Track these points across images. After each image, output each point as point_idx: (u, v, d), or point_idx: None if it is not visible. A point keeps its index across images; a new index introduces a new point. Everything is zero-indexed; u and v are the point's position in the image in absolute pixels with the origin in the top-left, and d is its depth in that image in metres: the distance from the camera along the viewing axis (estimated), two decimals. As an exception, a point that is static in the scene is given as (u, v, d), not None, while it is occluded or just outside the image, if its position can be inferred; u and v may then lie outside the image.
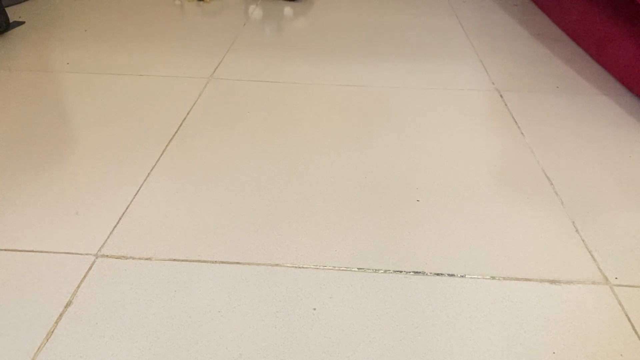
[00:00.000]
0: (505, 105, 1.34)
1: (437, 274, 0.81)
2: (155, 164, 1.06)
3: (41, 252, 0.84)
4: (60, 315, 0.73)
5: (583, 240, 0.89)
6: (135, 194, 0.97)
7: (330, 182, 1.02)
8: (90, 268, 0.81)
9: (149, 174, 1.03)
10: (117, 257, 0.83)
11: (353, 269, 0.82)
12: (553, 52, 1.67)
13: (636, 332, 0.72)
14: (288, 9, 1.65)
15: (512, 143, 1.17)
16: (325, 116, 1.26)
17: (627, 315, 0.75)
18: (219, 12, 1.85)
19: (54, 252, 0.84)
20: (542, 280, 0.80)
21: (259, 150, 1.12)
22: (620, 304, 0.77)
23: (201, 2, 1.98)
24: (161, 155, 1.10)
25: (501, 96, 1.38)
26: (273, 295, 0.77)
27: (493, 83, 1.45)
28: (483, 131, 1.21)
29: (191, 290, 0.77)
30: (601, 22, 1.56)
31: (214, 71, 1.49)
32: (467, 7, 2.10)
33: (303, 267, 0.82)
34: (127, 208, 0.94)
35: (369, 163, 1.08)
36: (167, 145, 1.13)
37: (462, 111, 1.30)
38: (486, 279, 0.80)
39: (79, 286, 0.77)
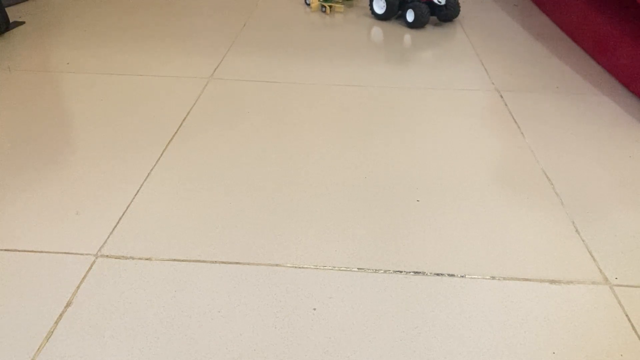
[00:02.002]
0: (505, 105, 1.34)
1: (437, 274, 0.81)
2: (155, 164, 1.06)
3: (41, 252, 0.84)
4: (60, 315, 0.73)
5: (583, 240, 0.89)
6: (135, 194, 0.97)
7: (331, 182, 1.02)
8: (90, 268, 0.81)
9: (149, 174, 1.03)
10: (117, 257, 0.83)
11: (353, 269, 0.82)
12: (553, 52, 1.67)
13: (636, 332, 0.72)
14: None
15: (512, 143, 1.17)
16: (325, 116, 1.26)
17: (627, 315, 0.75)
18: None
19: (54, 252, 0.84)
20: (542, 280, 0.80)
21: (259, 150, 1.12)
22: (620, 304, 0.77)
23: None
24: (161, 155, 1.10)
25: (501, 96, 1.38)
26: (273, 295, 0.77)
27: (493, 83, 1.45)
28: (483, 131, 1.21)
29: (191, 290, 0.77)
30: (601, 22, 1.56)
31: (214, 71, 1.49)
32: (467, 7, 2.10)
33: (303, 267, 0.82)
34: (127, 208, 0.94)
35: (369, 163, 1.08)
36: (167, 145, 1.13)
37: (462, 111, 1.30)
38: (486, 279, 0.80)
39: (79, 286, 0.77)
